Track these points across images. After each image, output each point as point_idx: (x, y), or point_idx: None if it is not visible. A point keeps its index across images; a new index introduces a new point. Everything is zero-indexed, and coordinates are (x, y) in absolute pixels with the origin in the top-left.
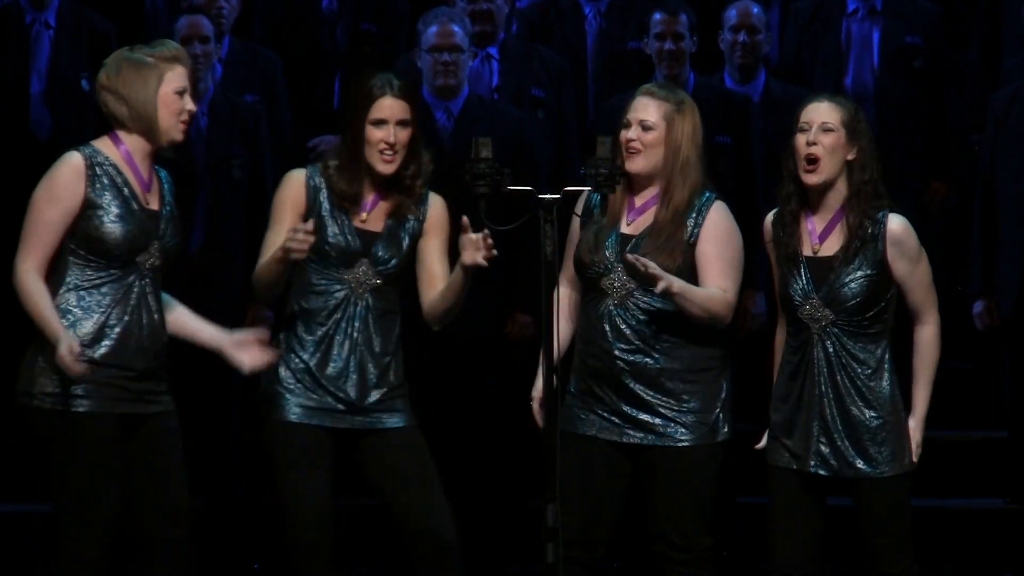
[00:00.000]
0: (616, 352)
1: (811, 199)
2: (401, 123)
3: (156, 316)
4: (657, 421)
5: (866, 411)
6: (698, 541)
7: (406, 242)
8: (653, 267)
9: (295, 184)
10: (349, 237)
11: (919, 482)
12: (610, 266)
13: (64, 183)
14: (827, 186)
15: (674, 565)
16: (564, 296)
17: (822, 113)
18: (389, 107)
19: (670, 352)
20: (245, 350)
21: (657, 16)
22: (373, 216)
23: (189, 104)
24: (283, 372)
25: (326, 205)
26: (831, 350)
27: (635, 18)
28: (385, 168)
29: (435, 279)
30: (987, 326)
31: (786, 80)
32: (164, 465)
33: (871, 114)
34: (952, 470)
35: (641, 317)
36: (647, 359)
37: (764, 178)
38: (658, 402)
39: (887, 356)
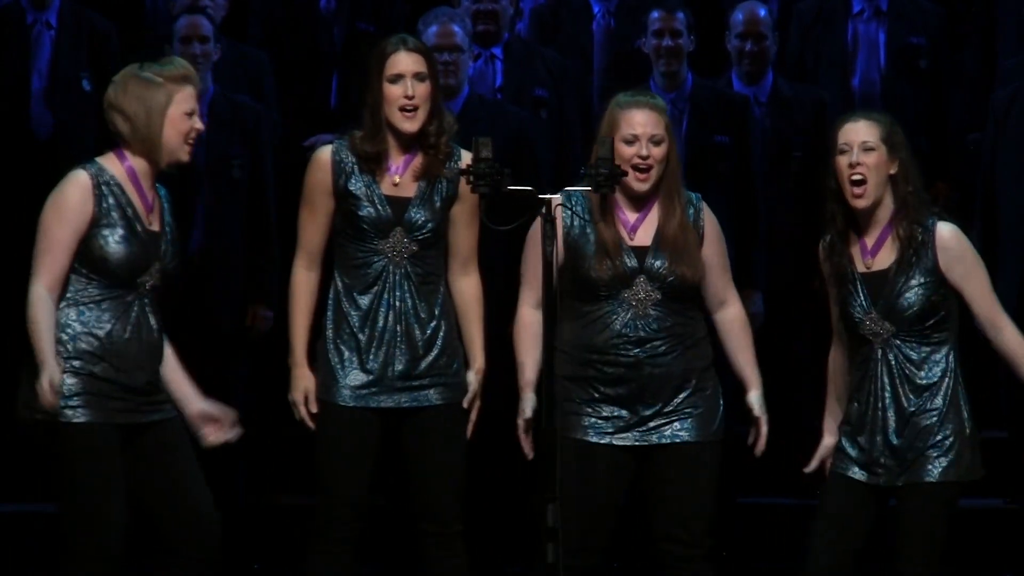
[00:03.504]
0: (644, 359)
1: (860, 217)
2: (418, 76)
3: (155, 335)
4: (675, 421)
5: (925, 420)
6: (704, 538)
7: (440, 204)
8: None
9: (320, 165)
10: (380, 207)
11: None
12: (630, 279)
13: (73, 202)
14: (875, 204)
15: (680, 563)
16: (530, 319)
17: (860, 132)
18: (404, 61)
19: (688, 351)
20: (209, 425)
21: (655, 14)
22: (404, 179)
23: (198, 124)
24: (332, 351)
25: (354, 179)
26: (893, 362)
27: (643, 17)
28: (408, 126)
29: (459, 251)
30: None
31: (792, 79)
32: (176, 471)
33: None
34: None
35: (665, 323)
36: (674, 359)
37: (765, 178)
38: (679, 400)
39: (951, 364)
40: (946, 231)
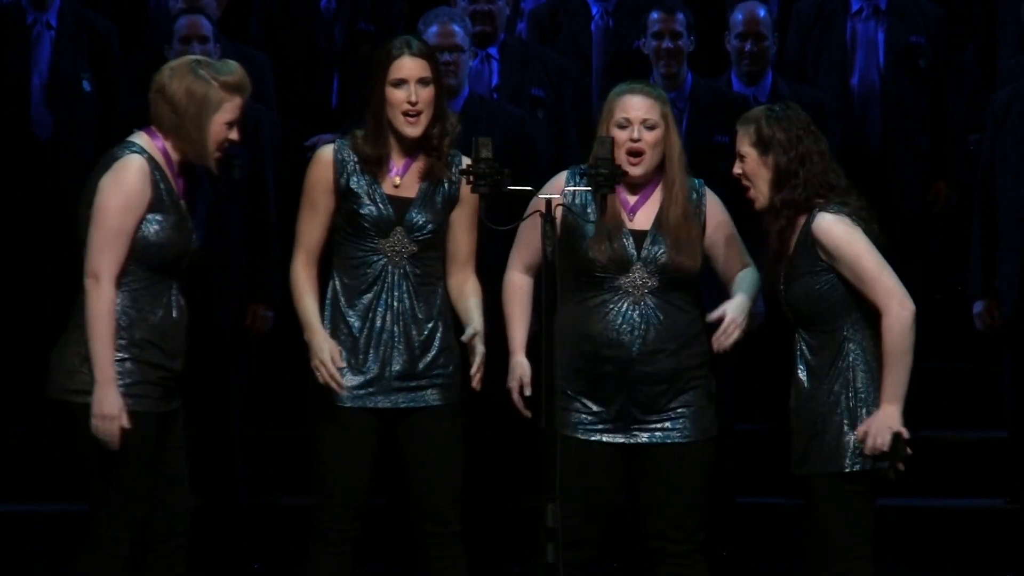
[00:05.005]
0: (635, 351)
1: None
2: (422, 81)
3: (187, 316)
4: (665, 419)
5: (812, 408)
6: (694, 534)
7: (441, 205)
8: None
9: (323, 163)
10: (381, 206)
11: (921, 482)
12: (630, 264)
13: (137, 190)
14: (772, 199)
15: (671, 558)
16: (520, 282)
17: (737, 139)
18: (408, 66)
19: (681, 350)
20: None
21: (655, 15)
22: (406, 181)
23: (234, 135)
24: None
25: (356, 178)
26: (798, 350)
27: (642, 18)
28: (411, 131)
29: (458, 254)
30: (987, 326)
31: (791, 78)
32: (178, 460)
33: (877, 114)
34: (952, 470)
35: (659, 315)
36: (665, 358)
37: None
38: (668, 400)
39: (845, 355)
40: (817, 223)
